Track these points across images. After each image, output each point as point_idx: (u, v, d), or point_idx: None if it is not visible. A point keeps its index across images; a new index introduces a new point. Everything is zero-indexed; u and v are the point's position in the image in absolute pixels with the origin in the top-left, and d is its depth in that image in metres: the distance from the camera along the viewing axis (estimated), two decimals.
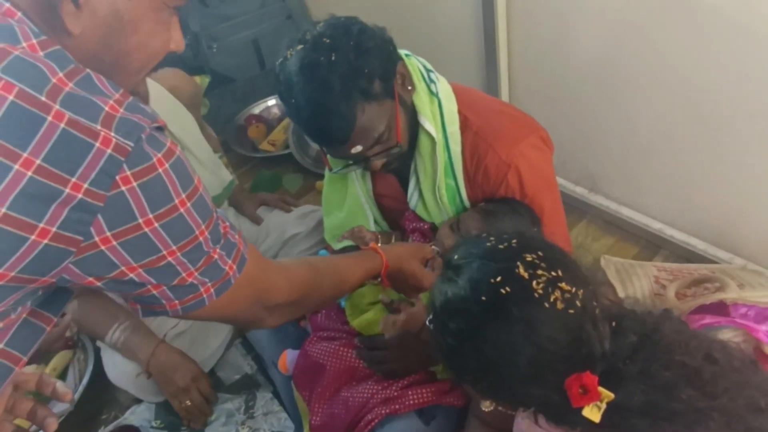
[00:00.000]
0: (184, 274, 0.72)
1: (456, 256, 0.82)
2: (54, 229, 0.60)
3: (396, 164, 1.27)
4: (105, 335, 1.50)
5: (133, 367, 1.52)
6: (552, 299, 0.74)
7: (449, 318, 0.78)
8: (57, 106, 0.59)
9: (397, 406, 1.20)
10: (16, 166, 0.57)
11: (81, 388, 1.58)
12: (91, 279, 0.67)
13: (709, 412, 0.74)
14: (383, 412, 1.19)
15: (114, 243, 0.64)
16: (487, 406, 0.88)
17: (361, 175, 1.42)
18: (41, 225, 0.59)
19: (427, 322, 0.90)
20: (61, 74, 0.61)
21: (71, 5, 0.65)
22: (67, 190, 0.59)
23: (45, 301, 0.71)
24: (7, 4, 0.64)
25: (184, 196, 0.68)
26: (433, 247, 1.25)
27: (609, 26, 1.56)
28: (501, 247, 0.81)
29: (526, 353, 0.73)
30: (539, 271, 0.76)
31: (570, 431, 0.81)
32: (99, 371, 1.60)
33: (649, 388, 0.75)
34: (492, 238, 0.82)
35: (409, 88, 1.21)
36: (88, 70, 0.65)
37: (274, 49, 2.70)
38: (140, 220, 0.64)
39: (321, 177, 2.20)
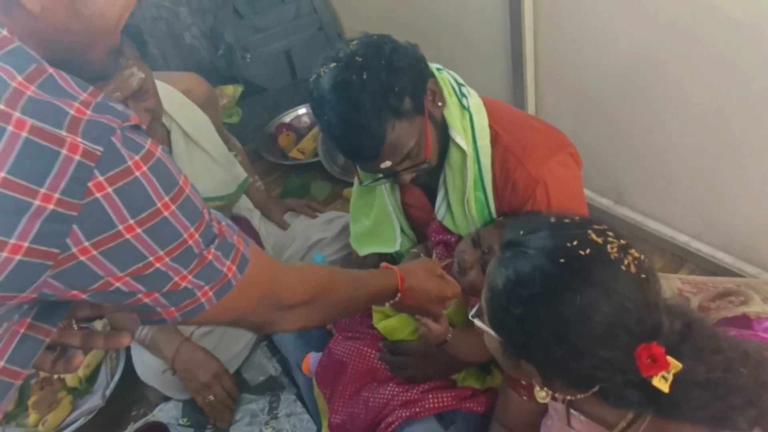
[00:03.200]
0: (176, 278, 0.68)
1: (519, 233, 0.83)
2: (27, 244, 0.56)
3: (426, 178, 1.29)
4: (135, 332, 1.55)
5: (160, 364, 1.56)
6: (626, 263, 0.76)
7: (521, 288, 0.78)
8: (18, 114, 0.55)
9: (417, 409, 1.21)
10: None
11: (112, 385, 1.63)
12: (74, 292, 0.63)
13: (763, 392, 0.76)
14: (403, 414, 1.21)
15: (94, 252, 0.60)
16: (542, 397, 0.87)
17: (390, 185, 1.45)
18: (12, 241, 0.56)
19: (471, 317, 0.91)
20: (20, 77, 0.57)
21: None
22: (37, 202, 0.56)
23: (42, 314, 0.68)
24: None
25: (167, 198, 0.64)
26: (454, 260, 1.27)
27: (634, 40, 1.57)
28: (566, 221, 0.83)
29: (605, 312, 0.74)
30: (609, 238, 0.78)
31: (612, 423, 0.83)
32: (130, 369, 1.65)
33: (707, 364, 0.77)
34: (552, 217, 0.85)
35: (440, 104, 1.23)
36: (51, 70, 0.60)
37: (306, 59, 2.75)
38: (120, 227, 0.60)
39: (348, 185, 2.24)
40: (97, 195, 0.58)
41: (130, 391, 1.69)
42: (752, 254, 1.67)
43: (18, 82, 0.57)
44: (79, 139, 0.57)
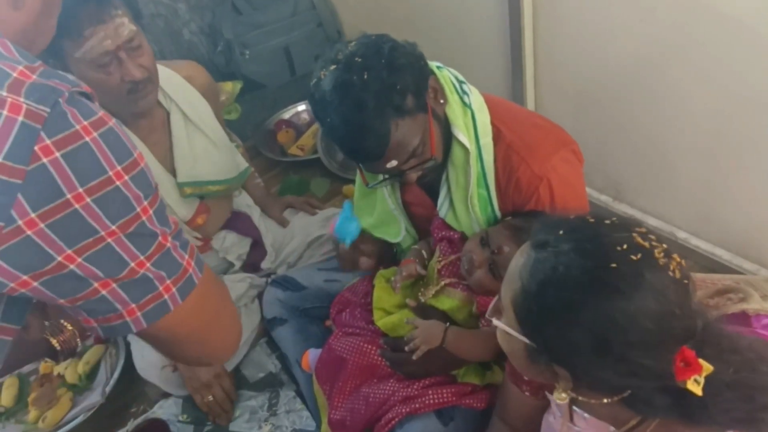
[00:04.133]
0: (132, 263, 0.62)
1: (558, 233, 0.80)
2: None
3: (431, 176, 1.29)
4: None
5: (160, 359, 1.57)
6: (672, 268, 0.75)
7: (563, 292, 0.76)
8: None
9: (417, 405, 1.22)
10: None
11: (112, 382, 1.64)
12: (25, 278, 0.57)
13: None
14: (403, 411, 1.22)
15: (41, 225, 0.55)
16: (563, 398, 0.85)
17: (390, 186, 1.45)
18: None
19: (488, 316, 0.89)
20: None
21: None
22: None
23: (2, 313, 0.64)
24: None
25: (119, 167, 0.60)
26: (462, 258, 1.27)
27: (633, 39, 1.57)
28: (607, 222, 0.81)
29: (655, 318, 0.73)
30: (653, 242, 0.77)
31: (621, 421, 0.83)
32: (129, 366, 1.65)
33: (732, 365, 0.77)
34: (589, 216, 0.83)
35: (442, 101, 1.23)
36: None
37: (305, 56, 2.75)
38: (68, 196, 0.56)
39: (348, 182, 2.24)
40: (44, 160, 0.54)
41: (130, 387, 1.70)
42: (751, 251, 1.67)
43: None
44: (21, 99, 0.54)
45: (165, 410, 1.63)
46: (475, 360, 1.26)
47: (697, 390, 0.73)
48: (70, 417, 1.60)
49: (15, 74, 0.55)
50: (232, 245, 1.79)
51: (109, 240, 0.60)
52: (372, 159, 1.18)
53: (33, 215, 0.55)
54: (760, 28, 1.31)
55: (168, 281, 0.66)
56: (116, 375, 1.65)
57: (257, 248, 1.85)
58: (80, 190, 0.57)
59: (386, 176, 1.29)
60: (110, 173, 0.59)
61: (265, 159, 2.46)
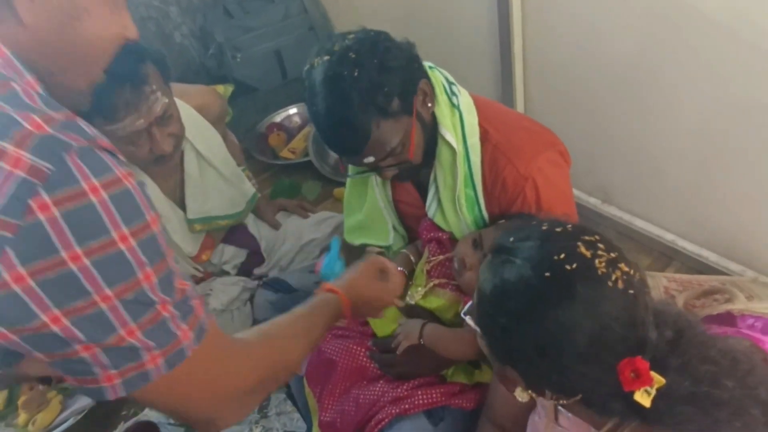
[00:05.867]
0: (121, 331, 0.58)
1: (510, 240, 0.82)
2: None
3: (409, 174, 1.31)
4: None
5: None
6: (614, 278, 0.74)
7: (506, 299, 0.77)
8: None
9: (406, 406, 1.22)
10: None
11: None
12: (3, 330, 0.55)
13: (750, 401, 0.75)
14: (393, 411, 1.22)
15: (29, 281, 0.53)
16: (523, 396, 0.86)
17: (381, 181, 1.46)
18: None
19: (462, 314, 0.91)
20: None
21: None
22: None
23: None
24: None
25: (126, 230, 0.57)
26: (453, 258, 1.28)
27: (623, 42, 1.59)
28: (558, 230, 0.81)
29: (588, 331, 0.73)
30: (599, 251, 0.76)
31: (599, 423, 0.83)
32: None
33: (693, 378, 0.76)
34: (545, 224, 0.83)
35: (429, 105, 1.24)
36: (15, 85, 0.57)
37: (297, 59, 2.76)
38: (63, 254, 0.53)
39: (339, 185, 2.25)
40: (40, 216, 0.52)
41: None
42: (737, 252, 1.69)
43: None
44: (26, 155, 0.52)
45: (155, 412, 1.63)
46: (458, 358, 1.26)
47: (646, 402, 0.73)
48: (60, 420, 1.59)
49: (26, 124, 0.53)
50: (230, 258, 1.81)
51: (102, 305, 0.57)
52: (350, 153, 1.21)
53: (21, 270, 0.53)
54: (747, 33, 1.33)
55: (156, 351, 0.62)
56: None
57: (254, 256, 1.85)
58: (77, 249, 0.54)
59: (364, 169, 1.30)
60: (114, 235, 0.56)
61: (257, 162, 2.46)
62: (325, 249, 1.48)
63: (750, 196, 1.57)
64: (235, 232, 1.81)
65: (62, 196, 0.53)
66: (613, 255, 0.77)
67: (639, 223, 1.88)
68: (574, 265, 0.75)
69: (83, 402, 1.62)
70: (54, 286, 0.54)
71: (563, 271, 0.74)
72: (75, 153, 0.54)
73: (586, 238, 0.78)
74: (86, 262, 0.55)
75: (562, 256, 0.75)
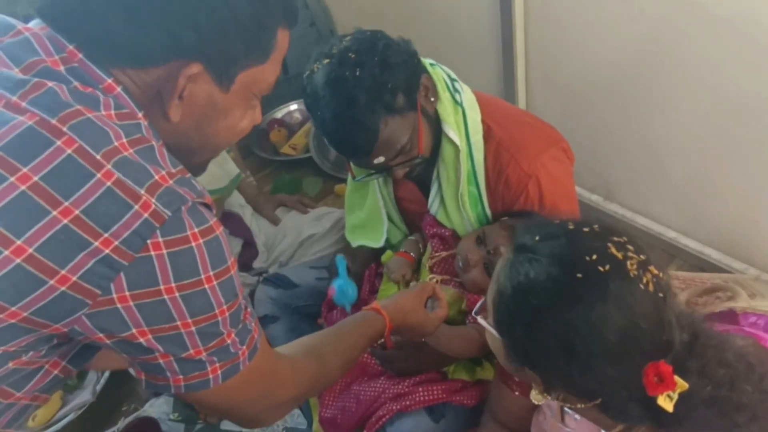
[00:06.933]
0: (192, 350, 0.71)
1: (534, 238, 0.81)
2: (74, 278, 0.61)
3: (419, 171, 1.30)
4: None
5: None
6: (645, 280, 0.74)
7: (532, 296, 0.76)
8: (109, 166, 0.62)
9: (407, 403, 1.22)
10: (54, 212, 0.60)
11: (102, 381, 1.63)
12: (101, 335, 0.67)
13: (766, 406, 0.76)
14: (394, 408, 1.22)
15: (131, 303, 0.65)
16: (538, 399, 0.86)
17: (383, 179, 1.46)
18: (63, 271, 0.60)
19: (473, 314, 0.90)
20: (124, 140, 0.65)
21: (177, 99, 0.71)
22: (97, 243, 0.61)
23: (74, 358, 0.76)
24: (110, 80, 0.69)
25: (212, 273, 0.69)
26: (456, 255, 1.28)
27: (624, 38, 1.58)
28: (585, 229, 0.80)
29: (618, 330, 0.73)
30: (629, 253, 0.76)
31: (609, 425, 0.82)
32: None
33: (713, 381, 0.76)
34: (570, 223, 0.82)
35: (432, 99, 1.24)
36: (153, 142, 0.68)
37: (298, 55, 2.72)
38: (161, 287, 0.65)
39: (340, 181, 2.24)
40: (152, 253, 0.63)
41: (121, 386, 1.69)
42: (739, 250, 1.69)
43: (121, 142, 0.64)
44: (153, 200, 0.63)
45: (156, 408, 1.62)
46: (459, 356, 1.26)
47: (669, 406, 0.72)
48: (60, 416, 1.59)
49: (156, 177, 0.65)
50: None
51: (182, 330, 0.69)
52: (360, 154, 1.19)
53: (127, 292, 0.64)
54: (750, 29, 1.32)
55: (217, 364, 0.74)
56: (107, 373, 1.64)
57: (248, 248, 1.84)
58: (173, 284, 0.65)
59: (373, 171, 1.29)
60: (202, 276, 0.68)
61: (258, 158, 2.45)
62: (332, 268, 1.46)
63: (753, 194, 1.56)
64: (228, 220, 1.81)
65: (172, 239, 0.64)
66: (642, 257, 0.77)
67: (641, 221, 1.88)
68: (607, 267, 0.74)
69: (83, 398, 1.62)
70: (148, 310, 0.66)
71: (596, 272, 0.74)
72: (187, 206, 0.66)
73: (615, 239, 0.78)
74: (177, 295, 0.66)
75: (594, 257, 0.75)
